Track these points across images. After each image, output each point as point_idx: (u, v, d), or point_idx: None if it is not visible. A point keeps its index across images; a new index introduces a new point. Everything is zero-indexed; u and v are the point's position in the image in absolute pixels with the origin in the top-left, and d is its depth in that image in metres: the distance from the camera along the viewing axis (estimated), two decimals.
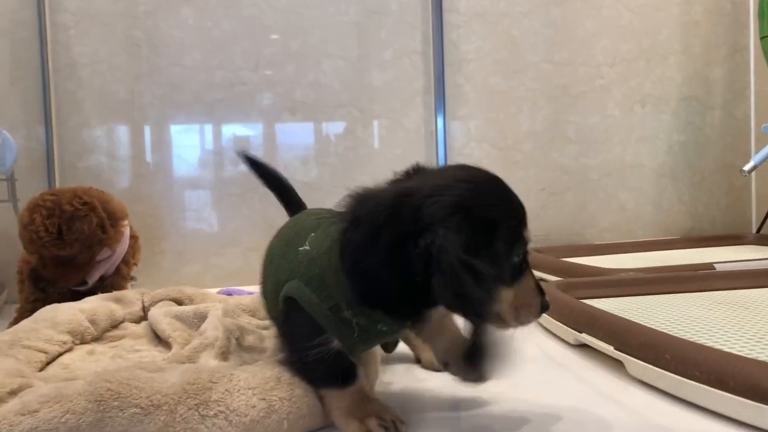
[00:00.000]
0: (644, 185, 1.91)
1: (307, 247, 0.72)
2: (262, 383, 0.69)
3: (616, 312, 1.05)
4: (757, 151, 1.87)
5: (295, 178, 1.75)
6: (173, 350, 0.96)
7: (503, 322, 0.64)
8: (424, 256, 0.60)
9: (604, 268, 1.40)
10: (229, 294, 1.43)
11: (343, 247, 0.66)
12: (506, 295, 0.63)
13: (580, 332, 0.97)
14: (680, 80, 1.92)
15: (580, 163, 1.88)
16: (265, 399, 0.68)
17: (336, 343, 0.68)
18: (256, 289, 1.57)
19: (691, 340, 0.84)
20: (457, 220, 0.60)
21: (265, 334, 1.03)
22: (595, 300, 1.18)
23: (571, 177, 1.88)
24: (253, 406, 0.67)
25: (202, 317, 1.06)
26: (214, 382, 0.68)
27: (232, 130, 1.74)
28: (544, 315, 0.92)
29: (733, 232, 1.94)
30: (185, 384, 0.67)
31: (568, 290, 1.20)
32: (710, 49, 1.93)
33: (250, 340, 0.98)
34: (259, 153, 1.75)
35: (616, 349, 0.87)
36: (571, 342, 1.01)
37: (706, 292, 1.21)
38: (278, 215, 1.73)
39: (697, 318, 0.98)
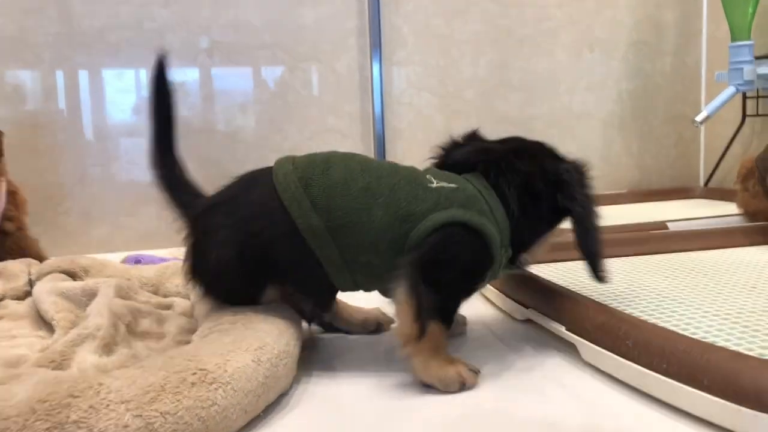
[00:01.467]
0: (591, 136, 1.81)
1: (441, 184, 0.74)
2: (140, 394, 0.55)
3: (566, 280, 0.95)
4: (708, 101, 1.79)
5: (216, 128, 1.58)
6: (54, 336, 0.81)
7: None
8: (562, 207, 0.75)
9: None
10: (137, 262, 1.27)
11: (508, 190, 0.74)
12: None
13: (527, 308, 0.86)
14: (631, 24, 1.80)
15: (524, 112, 1.76)
16: (141, 416, 0.54)
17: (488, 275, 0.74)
18: (170, 253, 1.42)
19: (654, 321, 0.73)
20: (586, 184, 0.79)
21: (166, 314, 0.88)
22: (543, 265, 1.07)
23: (515, 128, 1.74)
24: (125, 426, 0.53)
25: (92, 295, 0.91)
26: (75, 396, 0.54)
27: (131, 76, 1.55)
28: (488, 287, 0.96)
29: (681, 185, 1.87)
30: (35, 401, 0.52)
31: None
32: None
33: (145, 324, 0.84)
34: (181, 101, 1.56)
35: (568, 329, 0.76)
36: (518, 317, 0.89)
37: (661, 255, 1.12)
38: (197, 169, 1.57)
39: (656, 289, 0.89)
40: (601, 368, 0.70)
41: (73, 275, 1.04)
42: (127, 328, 0.79)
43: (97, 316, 0.77)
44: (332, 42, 1.61)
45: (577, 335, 0.73)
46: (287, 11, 1.58)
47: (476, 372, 0.69)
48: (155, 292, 1.00)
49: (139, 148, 1.55)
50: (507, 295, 0.92)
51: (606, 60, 1.79)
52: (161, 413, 0.54)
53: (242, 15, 1.56)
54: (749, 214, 1.28)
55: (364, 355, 0.79)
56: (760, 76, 1.55)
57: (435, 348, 0.68)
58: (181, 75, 1.56)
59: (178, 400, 0.56)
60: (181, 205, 0.84)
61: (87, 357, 0.69)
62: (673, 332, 0.66)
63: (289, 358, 0.68)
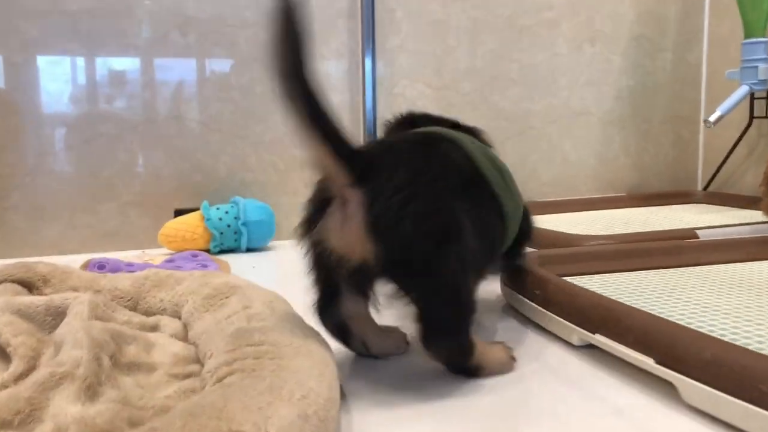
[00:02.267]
0: (589, 135, 1.71)
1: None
2: None
3: (623, 296, 0.83)
4: (708, 100, 1.71)
5: (188, 117, 1.40)
6: (12, 368, 0.64)
7: None
8: None
9: (573, 235, 1.18)
10: (102, 267, 1.09)
11: None
12: None
13: (594, 332, 0.72)
14: (633, 17, 1.70)
15: (522, 108, 1.64)
16: None
17: None
18: (137, 257, 1.24)
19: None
20: None
21: (154, 338, 0.71)
22: (576, 278, 0.95)
23: (511, 124, 1.63)
24: None
25: (58, 314, 0.73)
26: None
27: (108, 62, 1.35)
28: (536, 308, 0.83)
29: (679, 189, 1.78)
30: None
31: (546, 265, 0.96)
32: None
33: (131, 352, 0.67)
34: (135, 88, 1.38)
35: (660, 363, 0.63)
36: (575, 343, 0.76)
37: (701, 267, 1.01)
38: (165, 161, 1.39)
39: (726, 308, 0.77)
40: (717, 416, 0.57)
41: (29, 286, 0.86)
42: (111, 360, 0.62)
43: (75, 346, 0.59)
44: (319, 23, 1.45)
45: (676, 372, 0.61)
46: None
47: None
48: (133, 308, 0.83)
49: (99, 136, 1.36)
50: (562, 316, 0.78)
51: (607, 54, 1.69)
52: None
53: None
54: None
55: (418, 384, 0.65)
56: None
57: None
58: (141, 57, 1.37)
59: None
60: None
61: (66, 407, 0.52)
62: None
63: (335, 408, 0.53)
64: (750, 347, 0.63)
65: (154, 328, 0.76)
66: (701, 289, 0.86)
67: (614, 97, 1.71)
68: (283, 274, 1.16)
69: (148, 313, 0.82)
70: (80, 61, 1.33)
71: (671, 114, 1.77)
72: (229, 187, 1.43)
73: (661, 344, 0.63)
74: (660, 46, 1.74)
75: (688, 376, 0.59)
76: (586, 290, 0.81)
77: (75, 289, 0.86)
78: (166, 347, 0.70)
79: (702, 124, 1.79)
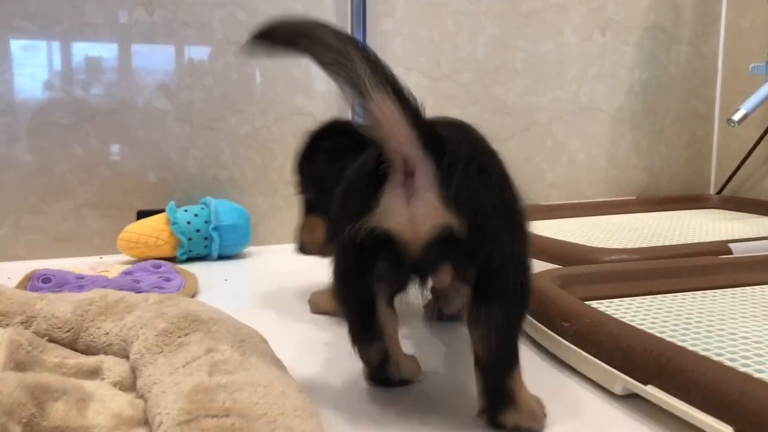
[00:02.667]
0: (599, 133, 1.56)
1: None
2: None
3: (662, 330, 0.69)
4: (724, 97, 1.59)
5: (153, 106, 1.24)
6: None
7: None
8: None
9: (592, 248, 1.04)
10: (47, 281, 0.93)
11: None
12: None
13: (645, 383, 0.58)
14: (647, 4, 1.56)
15: (526, 102, 1.49)
16: None
17: None
18: (91, 267, 1.08)
19: None
20: None
21: (91, 389, 0.56)
22: (604, 303, 0.81)
23: (515, 120, 1.49)
24: None
25: None
26: None
27: (78, 46, 1.18)
28: (566, 345, 0.69)
29: (692, 192, 1.65)
30: None
31: (567, 286, 0.82)
32: None
33: (59, 412, 0.51)
34: (106, 75, 1.21)
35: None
36: (617, 392, 0.62)
37: (742, 288, 0.87)
38: (127, 156, 1.23)
39: None
40: None
41: None
42: (25, 428, 0.47)
43: None
44: (304, 3, 1.29)
45: None
46: None
47: None
48: (73, 342, 0.67)
49: (49, 126, 1.19)
50: (601, 359, 0.64)
51: (619, 45, 1.55)
52: None
53: None
54: None
55: None
56: None
57: None
58: (103, 41, 1.21)
59: None
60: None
61: None
62: None
63: None
64: None
65: (95, 373, 0.60)
66: (756, 320, 0.72)
67: (626, 92, 1.57)
68: (260, 288, 1.01)
69: (89, 350, 0.66)
70: (26, 42, 1.17)
71: (685, 111, 1.64)
72: (200, 186, 1.26)
73: (744, 410, 0.49)
74: (675, 36, 1.60)
75: None
76: (629, 326, 0.66)
77: (3, 315, 0.70)
78: (106, 402, 0.55)
79: (716, 123, 1.65)
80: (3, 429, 0.44)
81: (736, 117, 1.32)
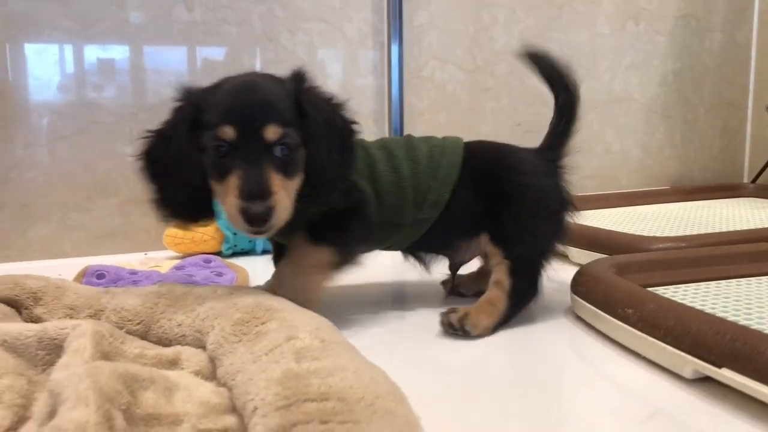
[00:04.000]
0: (633, 123, 1.56)
1: None
2: None
3: (729, 312, 0.69)
4: (758, 86, 1.58)
5: None
6: None
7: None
8: None
9: (639, 236, 1.04)
10: (101, 276, 0.94)
11: None
12: (218, 191, 0.69)
13: (720, 366, 0.58)
14: None
15: None
16: None
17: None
18: (141, 262, 1.09)
19: None
20: None
21: (175, 378, 0.57)
22: (662, 289, 0.81)
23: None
24: None
25: (53, 347, 0.59)
26: None
27: (98, 47, 1.20)
28: (630, 330, 0.69)
29: (725, 181, 1.64)
30: None
31: (625, 273, 0.82)
32: None
33: (150, 400, 0.52)
34: (128, 75, 1.22)
35: None
36: (687, 375, 0.62)
37: None
38: None
39: None
40: None
41: (17, 305, 0.72)
42: (124, 415, 0.48)
43: (77, 404, 0.45)
44: None
45: None
46: None
47: None
48: (145, 334, 0.68)
49: (95, 125, 1.20)
50: (669, 343, 0.64)
51: (652, 35, 1.55)
52: None
53: None
54: None
55: None
56: None
57: None
58: (149, 34, 1.22)
59: None
60: None
61: None
62: None
63: None
64: None
65: (174, 363, 0.61)
66: None
67: (659, 82, 1.57)
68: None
69: (162, 341, 0.67)
70: (68, 48, 1.18)
71: (718, 100, 1.63)
72: None
73: None
74: (708, 25, 1.59)
75: None
76: (695, 310, 0.67)
77: (72, 309, 0.72)
78: (191, 391, 0.55)
79: (749, 112, 1.65)
80: (108, 415, 0.45)
81: None
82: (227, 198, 0.66)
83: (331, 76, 1.32)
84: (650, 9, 1.53)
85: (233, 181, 0.65)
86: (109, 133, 1.20)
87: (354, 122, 0.75)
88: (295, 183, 0.69)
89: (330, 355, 0.53)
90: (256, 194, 0.64)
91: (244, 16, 1.25)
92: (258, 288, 0.82)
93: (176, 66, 1.24)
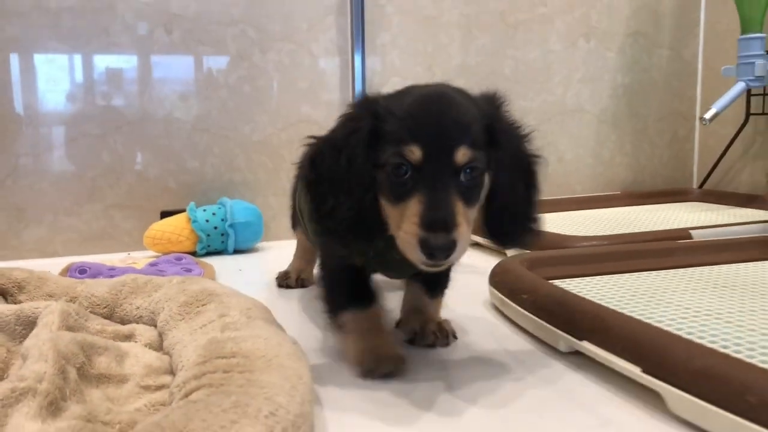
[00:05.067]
0: (585, 133, 1.68)
1: None
2: None
3: (609, 301, 0.80)
4: (704, 97, 1.69)
5: (174, 116, 1.38)
6: None
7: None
8: None
9: (564, 236, 1.16)
10: (83, 271, 1.07)
11: None
12: (391, 212, 0.63)
13: (581, 339, 0.70)
14: (628, 12, 1.68)
15: (517, 106, 1.59)
16: None
17: (356, 259, 0.73)
18: (121, 260, 1.22)
19: (756, 363, 0.59)
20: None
21: (127, 348, 0.69)
22: (570, 281, 0.93)
23: None
24: None
25: (29, 323, 0.71)
26: None
27: (103, 60, 1.33)
28: (523, 312, 0.81)
29: (675, 186, 1.76)
30: None
31: (534, 268, 0.94)
32: None
33: (101, 364, 0.64)
34: (131, 87, 1.35)
35: (646, 372, 0.60)
36: (562, 349, 0.74)
37: (696, 268, 0.99)
38: (151, 161, 1.36)
39: (724, 313, 0.74)
40: (705, 427, 0.55)
41: (3, 293, 0.84)
42: (78, 372, 0.60)
43: (39, 359, 0.57)
44: (308, 20, 1.43)
45: (664, 381, 0.58)
46: None
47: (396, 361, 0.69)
48: (109, 316, 0.81)
49: (82, 136, 1.33)
50: (549, 322, 0.76)
51: (602, 51, 1.67)
52: None
53: None
54: None
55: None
56: None
57: (359, 330, 0.73)
58: (127, 55, 1.35)
59: None
60: None
61: (26, 425, 0.50)
62: None
63: (306, 423, 0.51)
64: (740, 355, 0.61)
65: (129, 337, 0.74)
66: (693, 292, 0.84)
67: (609, 95, 1.69)
68: (270, 276, 1.14)
69: (124, 321, 0.80)
70: (62, 60, 1.31)
71: (667, 111, 1.75)
72: (217, 188, 1.40)
73: (650, 353, 0.61)
74: (656, 41, 1.71)
75: (675, 386, 0.57)
76: (574, 295, 0.78)
77: (51, 296, 0.84)
78: (139, 357, 0.68)
79: (698, 121, 1.76)
80: (62, 369, 0.57)
81: (708, 116, 1.43)
82: (405, 224, 0.59)
83: (300, 92, 1.44)
84: (600, 27, 1.65)
85: (414, 207, 0.59)
86: (95, 144, 1.33)
87: (540, 158, 0.68)
88: (474, 213, 0.63)
89: (251, 327, 0.66)
90: (440, 225, 0.57)
91: (218, 38, 1.38)
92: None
93: (162, 76, 1.37)
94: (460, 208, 0.59)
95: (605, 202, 1.62)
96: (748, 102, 1.57)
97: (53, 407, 0.53)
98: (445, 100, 0.62)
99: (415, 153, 0.59)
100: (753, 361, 0.59)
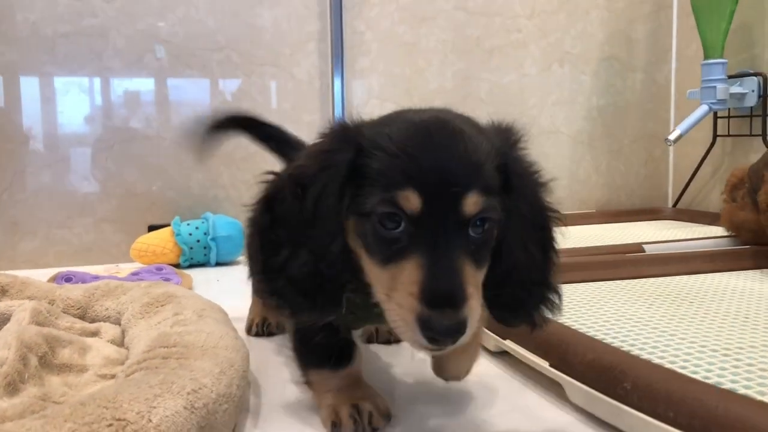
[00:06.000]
0: (560, 153, 1.75)
1: None
2: None
3: None
4: (678, 120, 1.75)
5: (161, 135, 1.46)
6: None
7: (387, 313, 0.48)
8: None
9: None
10: (68, 280, 1.15)
11: None
12: (376, 275, 0.49)
13: (504, 338, 0.76)
14: (602, 38, 1.75)
15: None
16: None
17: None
18: (106, 270, 1.29)
19: (646, 357, 0.65)
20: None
21: (91, 342, 0.76)
22: None
23: None
24: None
25: (3, 320, 0.79)
26: None
27: (72, 81, 1.42)
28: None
29: (650, 206, 1.81)
30: None
31: None
32: (633, 5, 1.77)
33: (65, 355, 0.71)
34: (109, 109, 1.44)
35: (552, 366, 0.67)
36: (491, 349, 0.80)
37: (641, 279, 1.04)
38: (139, 178, 1.45)
39: (641, 318, 0.80)
40: (593, 412, 0.61)
41: None
42: (40, 361, 0.67)
43: (2, 347, 0.64)
44: (291, 46, 1.51)
45: (564, 373, 0.64)
46: (243, 11, 1.48)
47: (374, 414, 0.59)
48: (82, 316, 0.88)
49: (74, 155, 1.42)
50: (486, 327, 0.82)
51: (576, 75, 1.74)
52: None
53: (194, 14, 1.45)
54: (734, 226, 1.22)
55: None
56: (732, 95, 1.51)
57: (333, 388, 0.62)
58: (124, 78, 1.44)
59: None
60: None
61: None
62: (678, 374, 0.58)
63: (231, 403, 0.58)
64: (632, 350, 0.67)
65: (95, 334, 0.81)
66: (624, 302, 0.90)
67: (584, 117, 1.75)
68: (247, 287, 1.20)
69: (94, 320, 0.87)
70: (58, 82, 1.40)
71: (642, 133, 1.81)
72: (202, 204, 1.48)
73: (556, 349, 0.67)
74: (629, 66, 1.78)
75: (572, 377, 0.63)
76: None
77: (32, 298, 0.91)
78: (100, 350, 0.75)
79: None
80: (23, 357, 0.64)
81: (672, 137, 1.50)
82: (398, 294, 0.46)
83: (283, 112, 1.52)
84: (574, 52, 1.73)
85: (411, 272, 0.46)
86: (85, 162, 1.42)
87: (558, 212, 0.56)
88: (482, 277, 0.50)
89: (199, 324, 0.72)
90: (446, 301, 0.45)
91: (204, 62, 1.46)
92: None
93: (150, 98, 1.46)
94: (469, 273, 0.47)
95: (579, 220, 1.68)
96: (715, 124, 1.63)
97: (11, 387, 0.60)
98: (449, 130, 0.49)
99: (411, 201, 0.46)
100: (641, 354, 0.65)
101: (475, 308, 0.46)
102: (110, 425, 0.48)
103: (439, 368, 0.63)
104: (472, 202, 0.47)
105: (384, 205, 0.47)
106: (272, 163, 1.50)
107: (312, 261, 0.50)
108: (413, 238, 0.47)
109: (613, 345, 0.68)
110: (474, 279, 0.47)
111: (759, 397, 0.54)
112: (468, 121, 0.53)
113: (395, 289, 0.47)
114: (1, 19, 1.34)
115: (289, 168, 0.56)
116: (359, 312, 0.56)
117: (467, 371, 0.63)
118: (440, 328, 0.44)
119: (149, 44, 1.43)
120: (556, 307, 0.54)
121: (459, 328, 0.45)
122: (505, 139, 0.54)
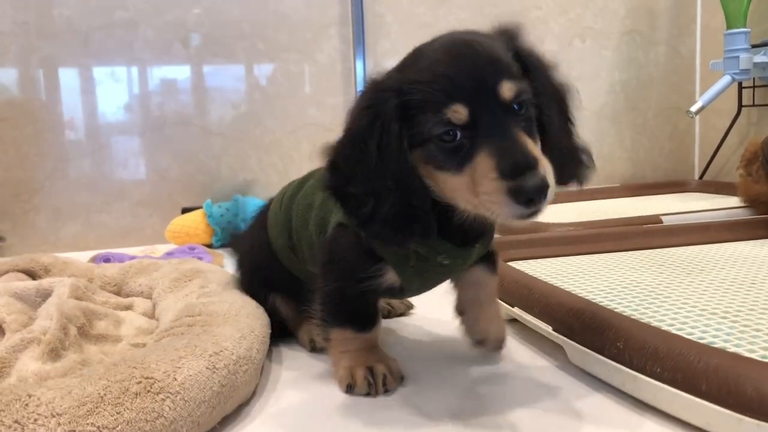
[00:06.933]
0: (584, 129, 1.75)
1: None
2: (75, 406, 0.49)
3: (553, 277, 0.90)
4: (703, 92, 1.74)
5: (193, 122, 1.52)
6: (4, 340, 0.75)
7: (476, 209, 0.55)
8: None
9: (540, 223, 1.24)
10: (107, 260, 1.21)
11: None
12: (454, 185, 0.55)
13: (512, 306, 0.80)
14: (623, 12, 1.75)
15: None
16: (75, 431, 0.48)
17: (389, 276, 0.63)
18: (142, 251, 1.36)
19: (646, 321, 0.68)
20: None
21: (124, 315, 0.82)
22: (530, 261, 1.02)
23: None
24: None
25: (46, 295, 0.85)
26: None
27: (107, 71, 1.48)
28: None
29: (676, 178, 1.81)
30: None
31: (500, 251, 1.03)
32: None
33: (101, 326, 0.78)
34: (157, 98, 1.50)
35: (554, 330, 0.70)
36: (503, 317, 0.84)
37: (655, 250, 1.06)
38: (171, 165, 1.51)
39: (648, 285, 0.83)
40: (590, 372, 0.64)
41: (32, 274, 0.98)
42: (79, 331, 0.73)
43: (46, 318, 0.71)
44: (313, 31, 1.55)
45: (564, 336, 0.68)
46: None
47: (388, 378, 0.64)
48: (118, 292, 0.94)
49: (111, 143, 1.49)
50: (500, 298, 0.85)
51: (598, 50, 1.74)
52: (98, 427, 0.49)
53: (219, 4, 1.50)
54: (750, 199, 1.23)
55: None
56: (756, 65, 1.50)
57: (351, 350, 0.66)
58: (154, 65, 1.50)
59: (118, 413, 0.50)
60: None
61: (29, 364, 0.63)
62: (666, 332, 0.61)
63: (250, 365, 0.63)
64: (633, 314, 0.70)
65: (128, 308, 0.87)
66: (633, 270, 0.92)
67: (607, 92, 1.76)
68: None
69: (129, 296, 0.93)
70: (98, 73, 1.47)
71: (666, 106, 1.81)
72: (231, 187, 1.54)
73: (558, 313, 0.71)
74: (652, 39, 1.78)
75: (572, 339, 0.67)
76: (516, 271, 0.88)
77: (72, 277, 0.98)
78: (133, 322, 0.81)
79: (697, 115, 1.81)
80: (64, 327, 0.70)
81: (694, 108, 1.50)
82: (481, 186, 0.52)
83: (307, 96, 1.57)
84: (595, 27, 1.73)
85: (485, 163, 0.52)
86: (122, 149, 1.49)
87: (571, 86, 0.64)
88: (538, 147, 0.56)
89: (222, 295, 0.78)
90: (523, 165, 0.51)
91: (231, 51, 1.52)
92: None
93: (182, 86, 1.52)
94: (530, 143, 0.53)
95: (604, 194, 1.69)
96: (740, 94, 1.63)
97: (53, 354, 0.66)
98: (466, 43, 0.56)
99: (460, 112, 0.53)
100: (642, 317, 0.68)
101: (548, 166, 0.52)
102: (139, 382, 0.53)
103: (479, 334, 0.70)
104: (507, 88, 0.53)
105: (438, 126, 0.54)
106: (298, 148, 1.56)
107: (397, 200, 0.56)
108: (473, 139, 0.53)
109: (609, 307, 0.71)
110: (535, 148, 0.54)
111: (736, 350, 0.57)
112: (473, 31, 0.60)
113: (478, 184, 0.53)
114: (38, 16, 1.41)
115: (343, 132, 0.59)
116: (424, 267, 0.63)
117: (504, 332, 0.71)
118: (529, 188, 0.50)
119: (177, 34, 1.49)
120: (591, 164, 0.63)
121: (544, 184, 0.51)
122: (509, 34, 0.61)
